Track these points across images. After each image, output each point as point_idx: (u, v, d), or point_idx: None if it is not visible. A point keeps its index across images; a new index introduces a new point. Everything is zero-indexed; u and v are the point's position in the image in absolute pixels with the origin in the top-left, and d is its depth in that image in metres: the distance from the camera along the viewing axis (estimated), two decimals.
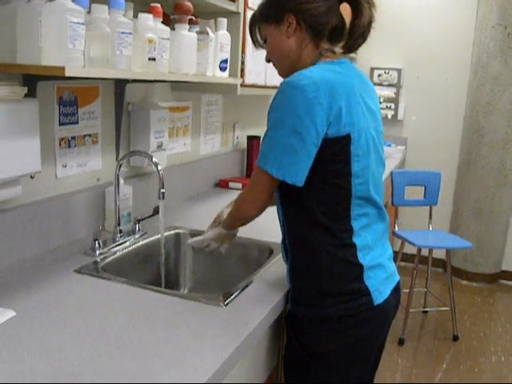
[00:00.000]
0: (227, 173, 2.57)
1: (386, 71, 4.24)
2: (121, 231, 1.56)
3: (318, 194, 1.12)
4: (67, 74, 1.02)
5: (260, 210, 1.19)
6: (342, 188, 1.12)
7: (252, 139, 2.70)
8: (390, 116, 4.25)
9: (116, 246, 1.51)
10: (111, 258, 1.43)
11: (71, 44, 1.07)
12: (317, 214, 1.12)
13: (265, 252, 1.58)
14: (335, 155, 1.10)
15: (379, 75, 4.26)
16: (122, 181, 1.66)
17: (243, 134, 2.74)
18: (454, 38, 4.06)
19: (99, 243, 1.45)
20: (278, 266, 1.42)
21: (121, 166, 1.53)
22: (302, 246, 1.17)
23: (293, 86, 1.07)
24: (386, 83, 4.25)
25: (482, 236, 3.98)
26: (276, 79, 2.47)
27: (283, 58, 1.22)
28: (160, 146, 1.85)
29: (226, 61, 1.76)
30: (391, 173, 3.27)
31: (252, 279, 1.32)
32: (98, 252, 1.44)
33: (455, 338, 3.13)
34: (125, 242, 1.55)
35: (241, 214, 1.25)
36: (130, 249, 1.52)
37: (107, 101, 1.68)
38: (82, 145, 1.59)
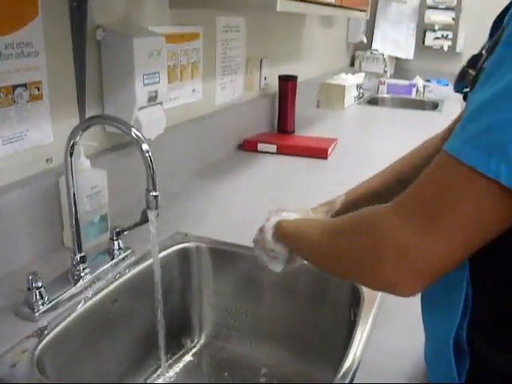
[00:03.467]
0: (253, 129, 1.85)
1: None
2: (83, 259, 0.87)
3: None
4: None
5: (436, 279, 0.47)
6: None
7: (286, 80, 1.96)
8: (446, 48, 3.42)
9: (74, 291, 0.83)
10: (62, 326, 0.74)
11: None
12: None
13: (342, 292, 0.89)
14: None
15: None
16: (87, 162, 0.96)
17: (273, 72, 1.99)
18: None
19: (40, 293, 0.78)
20: (385, 340, 0.75)
21: (75, 142, 0.82)
22: None
23: None
24: (442, 6, 3.38)
25: None
26: None
27: None
28: (153, 98, 1.14)
29: None
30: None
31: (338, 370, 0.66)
32: (37, 311, 0.76)
33: None
34: (93, 279, 0.87)
35: (376, 282, 0.51)
36: (99, 296, 0.84)
37: (56, 22, 0.95)
38: (10, 104, 0.88)
